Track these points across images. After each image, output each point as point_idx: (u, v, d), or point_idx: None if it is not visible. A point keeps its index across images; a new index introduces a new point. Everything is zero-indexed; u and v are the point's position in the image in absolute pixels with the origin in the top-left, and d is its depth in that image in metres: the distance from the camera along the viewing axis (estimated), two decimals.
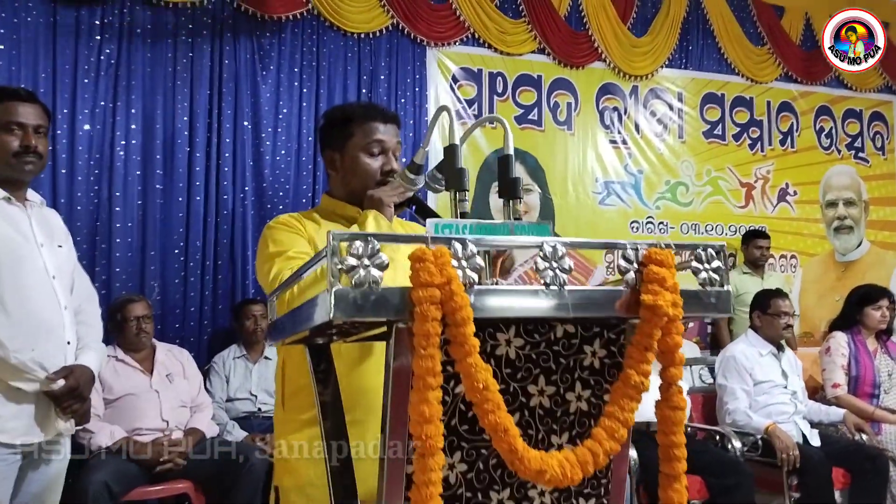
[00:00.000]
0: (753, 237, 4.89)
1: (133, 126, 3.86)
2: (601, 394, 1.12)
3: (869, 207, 5.59)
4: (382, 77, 4.43)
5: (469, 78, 4.61)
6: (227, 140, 4.06)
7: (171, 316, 3.78)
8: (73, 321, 2.02)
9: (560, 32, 4.78)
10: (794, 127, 5.42)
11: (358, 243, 0.92)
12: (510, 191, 1.34)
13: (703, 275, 1.10)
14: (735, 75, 5.25)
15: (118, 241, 3.76)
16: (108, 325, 3.27)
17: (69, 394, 1.91)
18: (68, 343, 1.96)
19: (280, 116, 4.21)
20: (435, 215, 1.55)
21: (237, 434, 3.46)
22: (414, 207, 1.61)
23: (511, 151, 1.37)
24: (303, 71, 4.28)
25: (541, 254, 1.02)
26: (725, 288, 1.11)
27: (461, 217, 1.28)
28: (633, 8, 4.98)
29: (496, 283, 1.12)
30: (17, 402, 1.87)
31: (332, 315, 0.90)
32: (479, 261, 0.98)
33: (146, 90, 3.91)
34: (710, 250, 1.11)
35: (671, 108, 5.09)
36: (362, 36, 4.38)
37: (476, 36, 4.61)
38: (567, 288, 1.02)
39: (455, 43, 4.58)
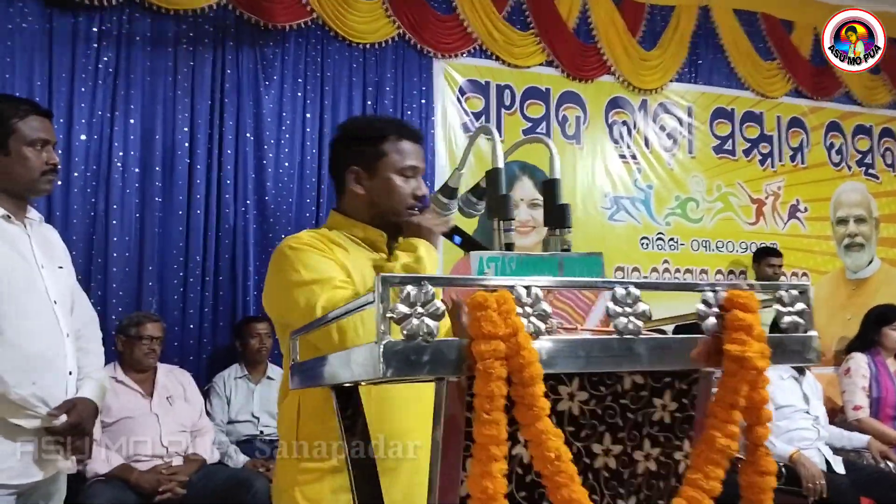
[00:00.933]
0: (765, 255, 4.79)
1: (132, 137, 3.73)
2: (671, 451, 1.00)
3: (880, 224, 5.50)
4: (388, 88, 4.32)
5: (476, 90, 4.51)
6: (229, 152, 3.94)
7: (170, 333, 3.63)
8: (75, 348, 1.89)
9: (568, 45, 4.68)
10: (805, 143, 5.34)
11: (410, 288, 0.79)
12: (559, 219, 1.22)
13: (787, 319, 0.99)
14: (745, 90, 5.17)
15: (115, 255, 3.62)
16: (116, 342, 3.14)
17: (71, 430, 1.78)
18: (70, 373, 1.84)
19: (283, 128, 4.09)
20: (479, 246, 1.43)
21: (239, 459, 3.32)
22: (458, 239, 1.49)
23: (558, 175, 1.26)
24: (307, 81, 4.17)
25: (612, 298, 0.91)
26: (811, 334, 0.99)
27: (506, 248, 1.16)
28: (641, 21, 4.90)
29: (558, 330, 1.00)
30: (14, 439, 1.75)
31: (382, 373, 0.77)
32: (546, 306, 0.86)
33: (145, 100, 3.78)
34: (793, 291, 0.99)
35: (681, 122, 5.00)
36: (367, 46, 4.27)
37: (484, 48, 4.51)
38: (642, 336, 0.90)
39: (462, 55, 4.47)
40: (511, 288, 0.84)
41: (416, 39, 4.33)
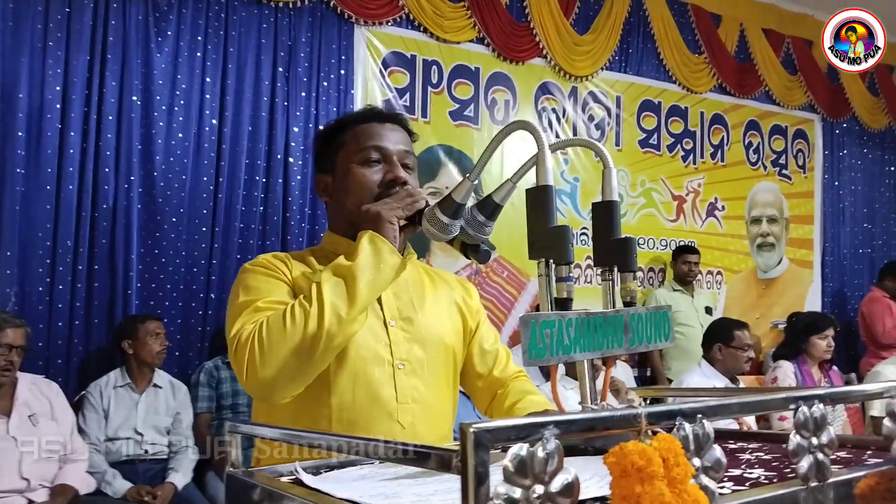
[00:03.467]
0: (683, 252, 4.70)
1: None
2: None
3: (790, 225, 5.57)
4: (302, 55, 3.82)
5: (401, 64, 4.08)
6: (111, 118, 3.34)
7: (34, 333, 3.00)
8: None
9: (501, 22, 4.34)
10: (725, 140, 5.29)
11: (522, 451, 0.42)
12: (621, 259, 0.87)
13: None
14: (672, 83, 5.03)
15: None
16: None
17: None
18: None
19: (178, 93, 3.51)
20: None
21: (119, 486, 2.79)
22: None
23: (615, 196, 0.91)
24: (207, 40, 3.60)
25: (793, 421, 0.57)
26: None
27: (561, 305, 0.80)
28: (575, 3, 4.63)
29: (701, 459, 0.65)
30: None
31: None
32: (719, 453, 0.51)
33: (7, 49, 3.13)
34: None
35: (609, 113, 4.79)
36: (281, 5, 3.75)
37: (411, 17, 4.08)
38: (831, 481, 0.57)
39: (388, 23, 4.03)
40: (676, 425, 0.48)
41: (337, 2, 3.85)
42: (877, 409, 3.54)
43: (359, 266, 1.06)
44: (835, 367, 3.85)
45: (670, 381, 4.33)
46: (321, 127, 1.37)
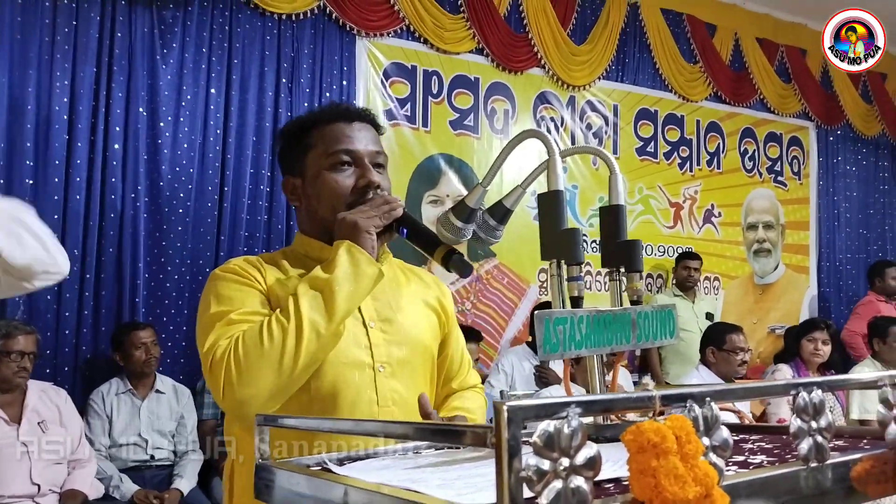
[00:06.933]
0: (684, 258, 4.76)
1: None
2: None
3: (785, 231, 5.63)
4: (305, 66, 3.88)
5: (402, 74, 4.14)
6: (118, 128, 3.39)
7: (42, 341, 3.04)
8: None
9: (499, 32, 4.41)
10: (721, 148, 5.36)
11: (549, 427, 0.46)
12: (627, 259, 0.92)
13: None
14: (668, 92, 5.10)
15: None
16: None
17: None
18: None
19: (183, 103, 3.57)
20: (429, 236, 1.10)
21: (127, 489, 2.83)
22: (405, 231, 1.14)
23: (622, 200, 0.96)
24: (212, 52, 3.66)
25: (793, 406, 0.62)
26: None
27: (574, 303, 0.85)
28: (573, 13, 4.70)
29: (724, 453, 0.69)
30: None
31: None
32: (726, 434, 0.56)
33: (15, 62, 3.18)
34: None
35: (606, 121, 4.86)
36: (283, 17, 3.81)
37: (411, 28, 4.15)
38: (829, 462, 0.62)
39: (388, 35, 4.09)
40: (684, 406, 0.53)
41: (338, 14, 3.91)
42: (856, 412, 3.60)
43: (336, 279, 1.05)
44: (832, 371, 3.90)
45: (668, 385, 4.38)
46: (282, 126, 1.32)
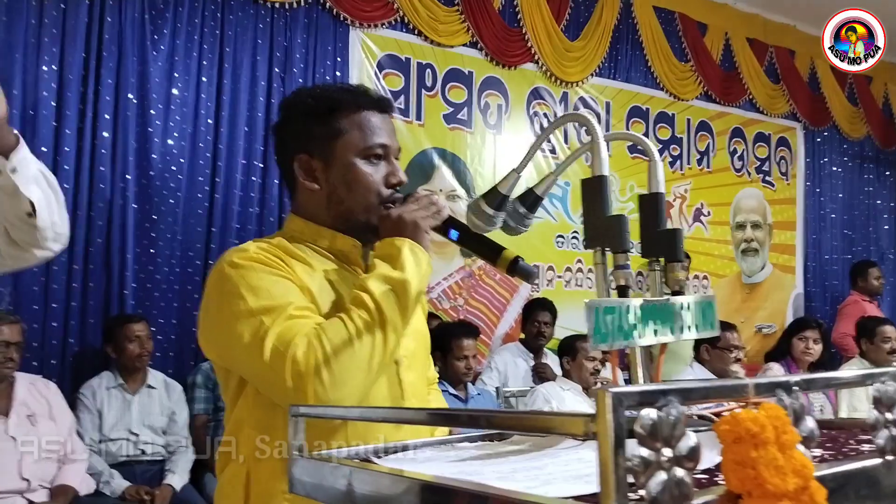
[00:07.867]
0: None
1: None
2: None
3: (773, 231, 5.67)
4: (298, 56, 3.83)
5: (396, 67, 4.10)
6: (107, 116, 3.32)
7: (28, 332, 2.96)
8: None
9: (494, 26, 4.38)
10: (711, 147, 5.38)
11: (652, 415, 0.44)
12: (669, 249, 0.90)
13: None
14: (659, 90, 5.11)
15: None
16: None
17: None
18: None
19: (174, 92, 3.50)
20: (481, 240, 1.08)
21: (117, 485, 2.77)
22: (456, 234, 1.12)
23: (662, 188, 0.94)
24: (203, 39, 3.59)
25: (873, 396, 0.60)
26: None
27: (621, 292, 0.83)
28: (566, 9, 4.68)
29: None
30: None
31: None
32: (812, 425, 0.53)
33: (0, 46, 3.08)
34: None
35: (599, 118, 4.85)
36: (276, 6, 3.76)
37: (405, 20, 4.11)
38: None
39: (382, 26, 4.05)
40: (772, 393, 0.51)
41: (332, 3, 3.86)
42: (844, 410, 3.63)
43: (408, 278, 1.05)
44: (824, 370, 3.92)
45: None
46: (301, 95, 1.22)
